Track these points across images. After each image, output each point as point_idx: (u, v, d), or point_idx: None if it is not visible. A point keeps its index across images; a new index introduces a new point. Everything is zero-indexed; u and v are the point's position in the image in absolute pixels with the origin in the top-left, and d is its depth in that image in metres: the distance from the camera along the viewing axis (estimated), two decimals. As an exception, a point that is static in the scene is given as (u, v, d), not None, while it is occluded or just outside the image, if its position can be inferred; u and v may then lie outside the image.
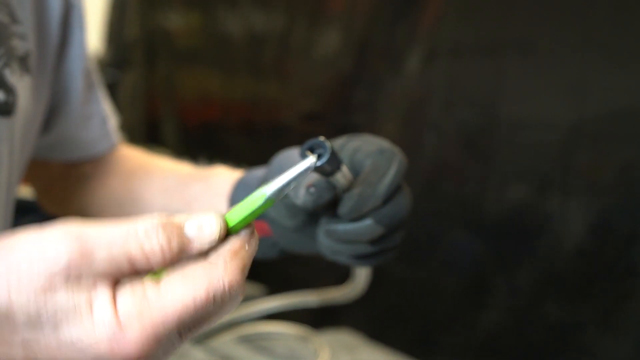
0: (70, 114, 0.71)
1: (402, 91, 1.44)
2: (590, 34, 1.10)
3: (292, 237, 0.54)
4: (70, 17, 0.68)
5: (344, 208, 0.49)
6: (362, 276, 0.61)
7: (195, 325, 0.33)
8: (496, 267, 1.24)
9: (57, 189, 0.77)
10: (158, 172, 0.71)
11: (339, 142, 0.52)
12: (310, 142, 0.43)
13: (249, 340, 0.92)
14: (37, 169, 0.75)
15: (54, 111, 0.70)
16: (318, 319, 1.34)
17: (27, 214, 1.46)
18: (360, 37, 1.59)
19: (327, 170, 0.45)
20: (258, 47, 1.98)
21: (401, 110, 1.43)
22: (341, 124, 1.62)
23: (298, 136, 1.86)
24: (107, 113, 0.76)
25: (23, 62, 0.60)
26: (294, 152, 0.54)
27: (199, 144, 2.16)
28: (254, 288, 1.61)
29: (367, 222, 0.50)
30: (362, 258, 0.52)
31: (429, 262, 1.37)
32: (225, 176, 0.62)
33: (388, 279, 1.43)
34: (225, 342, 0.92)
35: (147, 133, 2.40)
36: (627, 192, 1.05)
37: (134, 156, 0.78)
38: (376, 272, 1.44)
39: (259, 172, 0.58)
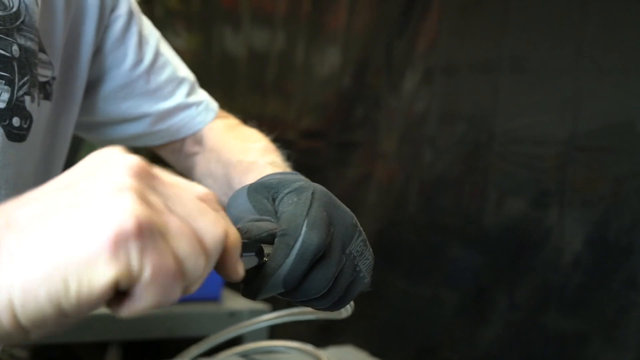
0: (153, 118, 0.76)
1: (400, 108, 1.46)
2: (582, 50, 1.12)
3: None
4: (105, 43, 0.71)
5: (243, 291, 0.47)
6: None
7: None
8: (496, 281, 1.25)
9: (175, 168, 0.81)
10: (223, 155, 0.74)
11: (274, 188, 0.49)
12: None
13: (253, 357, 0.94)
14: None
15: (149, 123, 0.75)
16: (321, 336, 1.35)
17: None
18: (359, 56, 1.62)
19: (247, 266, 0.43)
20: (259, 66, 2.01)
21: (399, 127, 1.45)
22: (341, 141, 1.65)
23: (300, 153, 1.89)
24: (190, 96, 0.80)
25: (43, 88, 0.62)
26: (241, 192, 0.52)
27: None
28: (260, 305, 1.63)
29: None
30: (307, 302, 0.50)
31: (429, 276, 1.38)
32: (259, 175, 0.63)
33: (388, 294, 1.44)
34: (229, 357, 0.93)
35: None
36: (624, 204, 1.06)
37: (217, 129, 0.81)
38: (376, 287, 1.45)
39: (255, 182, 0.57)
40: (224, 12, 2.25)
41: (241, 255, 0.40)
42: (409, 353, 1.40)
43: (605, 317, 1.06)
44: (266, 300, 1.67)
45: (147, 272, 0.31)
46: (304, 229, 0.45)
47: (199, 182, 0.75)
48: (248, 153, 0.70)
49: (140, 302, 0.32)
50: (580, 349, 1.09)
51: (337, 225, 0.49)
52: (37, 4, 0.59)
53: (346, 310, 0.60)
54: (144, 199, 0.31)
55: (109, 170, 0.32)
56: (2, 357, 1.55)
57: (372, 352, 1.10)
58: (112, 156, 0.33)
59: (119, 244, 0.30)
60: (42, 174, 0.65)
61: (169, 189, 0.34)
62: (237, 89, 2.09)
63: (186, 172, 0.82)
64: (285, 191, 0.50)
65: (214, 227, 0.34)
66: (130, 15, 0.73)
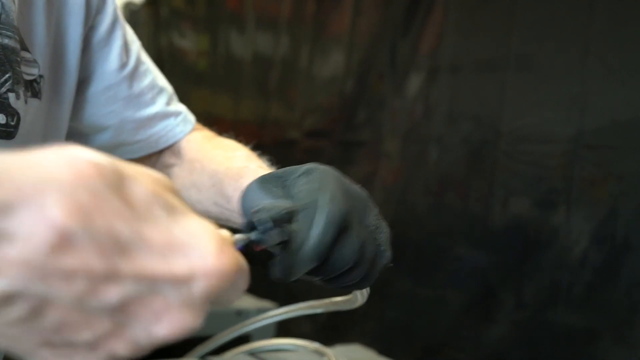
0: (132, 125, 0.75)
1: (404, 108, 1.46)
2: (589, 48, 1.11)
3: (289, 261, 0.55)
4: (91, 44, 0.71)
5: (272, 274, 0.47)
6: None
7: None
8: (502, 280, 1.24)
9: None
10: (207, 162, 0.73)
11: (283, 176, 0.49)
12: (251, 219, 0.43)
13: (261, 356, 0.94)
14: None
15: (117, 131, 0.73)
16: (328, 335, 1.35)
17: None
18: (363, 56, 1.62)
19: (272, 242, 0.45)
20: (264, 68, 2.01)
21: (404, 127, 1.45)
22: (346, 140, 1.65)
23: (305, 153, 1.90)
24: (168, 107, 0.79)
25: (31, 86, 0.62)
26: (252, 185, 0.52)
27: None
28: (265, 304, 1.63)
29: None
30: (328, 281, 0.51)
31: (435, 276, 1.37)
32: (254, 177, 0.63)
33: (395, 294, 1.44)
34: (237, 356, 0.93)
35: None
36: (631, 202, 1.06)
37: (196, 141, 0.79)
38: (383, 287, 1.45)
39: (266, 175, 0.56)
40: (229, 14, 2.26)
41: (262, 241, 0.42)
42: (416, 352, 1.39)
43: (614, 315, 1.06)
44: (273, 298, 1.68)
45: None
46: (325, 200, 0.46)
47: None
48: (234, 160, 0.70)
49: None
50: (588, 347, 1.09)
51: (351, 198, 0.49)
52: (13, 2, 0.59)
53: (362, 296, 0.60)
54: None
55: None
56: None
57: (380, 351, 1.09)
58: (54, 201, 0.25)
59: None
60: None
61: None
62: (243, 89, 2.09)
63: None
64: (295, 175, 0.50)
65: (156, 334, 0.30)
66: (116, 17, 0.74)
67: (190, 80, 2.42)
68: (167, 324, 0.28)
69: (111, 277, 0.26)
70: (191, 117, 0.83)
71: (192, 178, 0.75)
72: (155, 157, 0.80)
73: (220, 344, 0.89)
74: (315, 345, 0.91)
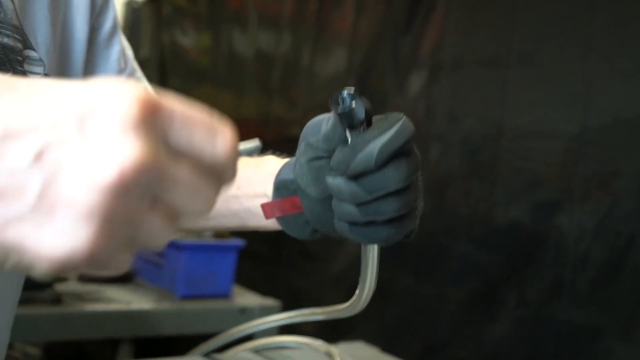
0: None
1: (406, 106, 1.46)
2: (592, 45, 1.11)
3: (318, 211, 0.56)
4: (95, 44, 0.71)
5: (334, 159, 0.51)
6: (364, 292, 0.60)
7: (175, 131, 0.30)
8: (505, 278, 1.25)
9: None
10: None
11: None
12: (344, 92, 0.49)
13: (264, 353, 0.94)
14: None
15: None
16: (331, 333, 1.36)
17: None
18: (365, 54, 1.62)
19: (358, 116, 0.49)
20: (267, 66, 2.01)
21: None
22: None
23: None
24: None
25: None
26: (322, 116, 0.56)
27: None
28: (271, 302, 1.63)
29: (339, 180, 0.50)
30: (358, 227, 0.52)
31: (438, 273, 1.38)
32: (273, 161, 0.64)
33: (397, 292, 1.45)
34: (241, 353, 0.94)
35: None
36: (633, 199, 1.06)
37: None
38: (386, 285, 1.46)
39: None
40: (231, 13, 2.26)
41: (349, 111, 0.47)
42: (419, 349, 1.40)
43: (617, 312, 1.06)
44: (277, 296, 1.68)
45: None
46: (400, 117, 0.50)
47: None
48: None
49: None
50: (591, 345, 1.09)
51: (415, 149, 0.52)
52: (11, 0, 0.59)
53: (362, 302, 0.60)
54: (113, 218, 0.29)
55: (95, 165, 0.28)
56: (14, 355, 1.57)
57: (383, 348, 1.10)
58: (113, 134, 0.28)
59: (67, 266, 0.29)
60: None
61: (168, 179, 0.31)
62: (245, 87, 2.09)
63: None
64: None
65: (201, 211, 0.33)
66: (116, 22, 0.74)
67: (192, 78, 2.42)
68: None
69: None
70: None
71: None
72: None
73: (222, 343, 0.90)
74: (318, 342, 0.91)
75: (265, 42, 2.06)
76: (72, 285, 1.56)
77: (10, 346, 1.55)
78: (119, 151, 0.28)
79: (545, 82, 1.19)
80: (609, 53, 1.09)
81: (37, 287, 1.39)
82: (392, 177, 0.49)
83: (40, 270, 0.29)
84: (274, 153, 0.68)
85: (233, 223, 0.68)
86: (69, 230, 0.28)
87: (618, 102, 1.08)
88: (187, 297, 1.54)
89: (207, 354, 0.90)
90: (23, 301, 1.33)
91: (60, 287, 1.49)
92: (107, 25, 0.72)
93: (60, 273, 0.30)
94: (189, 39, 2.48)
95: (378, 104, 1.58)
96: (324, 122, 0.55)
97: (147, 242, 0.32)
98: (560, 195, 1.15)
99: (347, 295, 0.60)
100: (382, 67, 1.55)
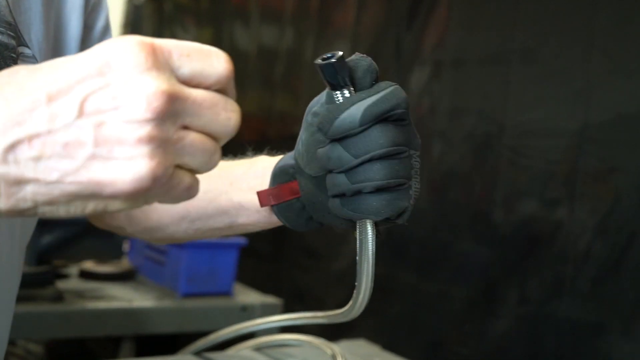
0: None
1: (410, 101, 1.46)
2: (593, 42, 1.11)
3: (315, 192, 0.56)
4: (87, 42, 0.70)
5: (320, 115, 0.52)
6: (360, 295, 0.60)
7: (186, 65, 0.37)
8: (506, 275, 1.24)
9: None
10: None
11: (353, 60, 0.53)
12: (330, 53, 0.50)
13: (266, 351, 0.94)
14: None
15: None
16: (332, 330, 1.36)
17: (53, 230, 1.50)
18: (367, 50, 1.61)
19: (333, 78, 0.50)
20: (269, 62, 2.01)
21: (410, 121, 1.45)
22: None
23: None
24: None
25: None
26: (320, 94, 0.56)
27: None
28: (272, 300, 1.63)
29: (326, 147, 0.51)
30: (348, 200, 0.51)
31: (439, 271, 1.38)
32: (267, 160, 0.64)
33: (399, 289, 1.45)
34: (243, 350, 0.94)
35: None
36: (634, 196, 1.06)
37: None
38: (387, 282, 1.45)
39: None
40: (233, 9, 2.25)
41: (332, 64, 0.48)
42: (420, 347, 1.40)
43: (619, 309, 1.06)
44: (278, 294, 1.68)
45: (162, 199, 0.38)
46: (395, 85, 0.52)
47: (145, 208, 0.73)
48: (235, 161, 0.70)
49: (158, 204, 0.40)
50: (593, 341, 1.09)
51: (411, 125, 0.53)
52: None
53: (358, 307, 0.60)
54: (161, 141, 0.35)
55: (131, 107, 0.34)
56: (17, 352, 1.57)
57: (384, 346, 1.10)
58: (131, 75, 0.34)
59: (137, 195, 0.35)
60: None
61: (187, 103, 0.36)
62: (248, 84, 2.09)
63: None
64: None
65: (227, 124, 0.38)
66: (108, 22, 0.74)
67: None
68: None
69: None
70: None
71: None
72: None
73: (220, 341, 0.90)
74: (320, 340, 0.91)
75: (267, 37, 2.06)
76: (73, 283, 1.56)
77: (13, 344, 1.55)
78: (143, 89, 0.34)
79: (547, 79, 1.19)
80: (610, 50, 1.09)
81: (39, 285, 1.40)
82: (377, 139, 0.49)
83: (119, 200, 0.36)
84: (272, 150, 0.68)
85: (222, 223, 0.67)
86: (129, 159, 0.34)
87: (619, 99, 1.07)
88: (188, 295, 1.54)
89: (203, 351, 0.90)
90: (25, 299, 1.34)
91: (62, 285, 1.49)
92: (100, 23, 0.72)
93: (137, 202, 0.36)
94: (190, 36, 2.47)
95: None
96: (321, 96, 0.55)
97: (197, 161, 0.38)
98: (562, 192, 1.15)
99: (349, 293, 0.59)
100: (385, 64, 1.55)
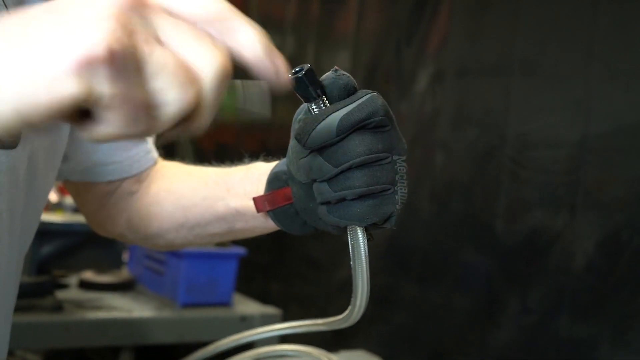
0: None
1: (410, 112, 1.46)
2: (593, 52, 1.11)
3: (306, 198, 0.56)
4: None
5: (297, 128, 0.51)
6: (358, 300, 0.59)
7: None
8: (507, 286, 1.24)
9: (104, 209, 0.78)
10: (198, 171, 0.73)
11: (329, 77, 0.53)
12: (298, 67, 0.50)
13: (265, 361, 0.93)
14: (82, 193, 0.78)
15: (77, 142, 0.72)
16: (333, 341, 1.35)
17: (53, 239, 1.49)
18: (369, 59, 1.62)
19: (305, 91, 0.50)
20: (269, 71, 2.01)
21: (410, 131, 1.45)
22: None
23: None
24: None
25: None
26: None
27: (215, 166, 2.19)
28: (271, 310, 1.63)
29: (308, 157, 0.51)
30: (333, 207, 0.52)
31: (441, 281, 1.37)
32: (264, 165, 0.64)
33: (400, 299, 1.44)
34: (241, 362, 0.93)
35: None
36: (636, 206, 1.05)
37: (173, 164, 0.80)
38: (389, 293, 1.45)
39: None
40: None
41: (301, 79, 0.49)
42: (421, 358, 1.39)
43: (620, 321, 1.05)
44: (277, 304, 1.68)
45: (111, 99, 0.32)
46: (372, 93, 0.51)
47: (144, 215, 0.74)
48: (230, 167, 0.70)
49: (103, 127, 0.33)
50: (594, 353, 1.08)
51: (392, 131, 0.52)
52: (4, 5, 0.59)
53: (355, 313, 0.59)
54: (126, 28, 0.32)
55: None
56: (15, 362, 1.56)
57: (384, 357, 1.09)
58: None
59: (86, 67, 0.31)
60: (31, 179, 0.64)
61: (163, 18, 0.33)
62: (248, 94, 2.09)
63: (112, 217, 0.78)
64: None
65: (209, 55, 0.34)
66: None
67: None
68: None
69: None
70: (154, 150, 0.81)
71: (169, 187, 0.74)
72: (116, 185, 0.77)
73: (220, 351, 0.89)
74: (319, 351, 0.91)
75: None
76: (73, 293, 1.56)
77: (11, 354, 1.55)
78: None
79: (548, 89, 1.19)
80: (610, 60, 1.09)
81: (39, 295, 1.39)
82: (354, 147, 0.49)
83: (69, 80, 0.31)
84: (270, 160, 0.68)
85: (220, 229, 0.67)
86: (86, 26, 0.31)
87: (619, 109, 1.08)
88: (188, 305, 1.54)
89: (205, 361, 0.90)
90: (24, 309, 1.34)
91: (61, 295, 1.49)
92: None
93: (91, 93, 0.31)
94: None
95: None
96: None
97: (167, 87, 0.33)
98: (563, 202, 1.14)
99: (347, 302, 0.59)
100: (386, 73, 1.55)
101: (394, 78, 1.52)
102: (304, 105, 0.55)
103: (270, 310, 1.63)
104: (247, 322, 1.54)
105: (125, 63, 0.31)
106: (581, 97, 1.12)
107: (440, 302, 1.35)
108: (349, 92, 0.52)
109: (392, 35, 1.54)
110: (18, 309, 0.68)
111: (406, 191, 0.54)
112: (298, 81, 0.50)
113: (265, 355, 0.94)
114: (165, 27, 0.33)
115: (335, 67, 0.53)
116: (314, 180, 0.53)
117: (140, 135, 0.34)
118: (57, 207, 1.84)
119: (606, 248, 1.08)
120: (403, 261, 1.43)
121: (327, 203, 0.52)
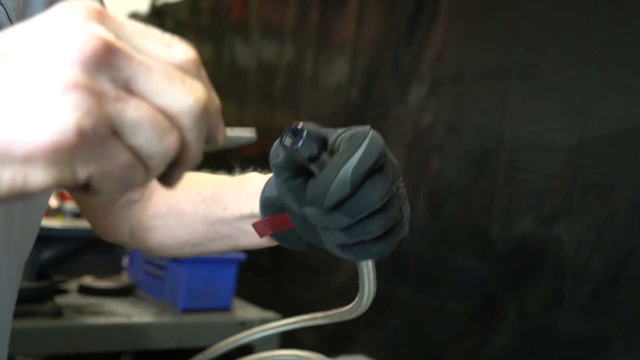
0: None
1: (407, 117, 1.46)
2: (590, 57, 1.12)
3: (308, 228, 0.55)
4: None
5: (308, 194, 0.49)
6: (365, 296, 0.59)
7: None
8: (505, 290, 1.24)
9: (107, 216, 0.79)
10: (196, 185, 0.73)
11: (325, 131, 0.51)
12: (289, 128, 0.47)
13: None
14: (85, 199, 0.78)
15: None
16: (331, 346, 1.35)
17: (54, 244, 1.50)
18: (367, 66, 1.62)
19: (304, 155, 0.47)
20: (269, 77, 2.02)
21: (407, 136, 1.46)
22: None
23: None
24: None
25: None
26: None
27: (213, 172, 2.20)
28: (271, 315, 1.63)
29: (313, 210, 0.49)
30: (348, 248, 0.51)
31: (438, 286, 1.37)
32: (257, 178, 0.64)
33: (397, 304, 1.44)
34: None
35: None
36: (631, 210, 1.06)
37: None
38: (386, 297, 1.45)
39: None
40: (233, 24, 2.27)
41: (296, 148, 0.45)
42: (419, 362, 1.39)
43: (617, 323, 1.06)
44: (278, 309, 1.68)
45: (96, 174, 0.30)
46: (366, 136, 0.48)
47: (147, 227, 0.73)
48: (225, 177, 0.70)
49: (97, 194, 0.31)
50: (592, 356, 1.09)
51: (390, 160, 0.50)
52: (2, 5, 0.59)
53: (364, 303, 0.59)
54: (93, 93, 0.29)
55: (59, 50, 0.29)
56: (15, 368, 1.56)
57: (383, 361, 1.10)
58: (66, 23, 0.30)
59: (54, 155, 0.29)
60: None
61: (133, 61, 0.31)
62: (248, 98, 2.10)
63: (115, 225, 0.77)
64: (337, 132, 0.51)
65: (184, 93, 0.32)
66: None
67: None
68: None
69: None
70: None
71: (169, 202, 0.74)
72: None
73: (220, 353, 0.89)
74: (318, 356, 0.90)
75: (267, 53, 2.07)
76: (73, 298, 1.56)
77: (11, 359, 1.55)
78: (75, 32, 0.29)
79: (544, 94, 1.20)
80: (606, 66, 1.10)
81: (38, 300, 1.40)
82: (371, 197, 0.48)
83: (39, 165, 0.28)
84: (255, 169, 0.68)
85: (225, 246, 0.67)
86: (49, 109, 0.28)
87: (616, 114, 1.08)
88: (187, 310, 1.54)
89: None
90: (24, 314, 1.34)
91: (61, 300, 1.49)
92: None
93: (63, 172, 0.29)
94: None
95: (380, 115, 1.59)
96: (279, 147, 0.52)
97: (143, 136, 0.31)
98: (559, 206, 1.15)
99: (348, 303, 0.59)
100: (384, 78, 1.56)
101: (392, 83, 1.52)
102: (277, 145, 0.52)
103: (269, 315, 1.63)
104: (246, 327, 1.54)
105: (99, 140, 0.29)
106: (578, 102, 1.13)
107: (437, 306, 1.36)
108: (334, 139, 0.50)
109: (390, 41, 1.55)
110: (18, 315, 0.69)
111: (409, 209, 0.54)
112: (307, 143, 0.47)
113: (264, 359, 0.94)
114: (134, 72, 0.31)
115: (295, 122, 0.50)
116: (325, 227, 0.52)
117: (137, 186, 0.32)
118: (57, 212, 1.84)
119: (602, 252, 1.08)
120: (400, 266, 1.43)
121: (342, 246, 0.52)
